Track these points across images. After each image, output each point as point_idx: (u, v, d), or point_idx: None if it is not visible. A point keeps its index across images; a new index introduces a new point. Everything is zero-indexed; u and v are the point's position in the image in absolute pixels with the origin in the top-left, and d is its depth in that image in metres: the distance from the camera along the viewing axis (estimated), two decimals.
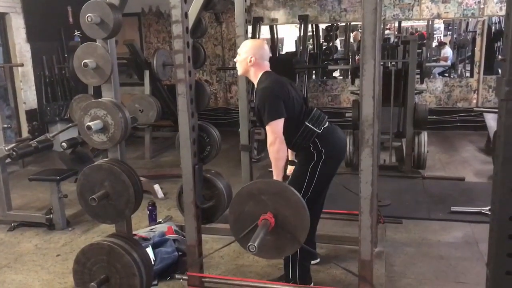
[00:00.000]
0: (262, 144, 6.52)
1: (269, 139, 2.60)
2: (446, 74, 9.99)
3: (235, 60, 2.89)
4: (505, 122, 1.47)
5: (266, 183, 2.45)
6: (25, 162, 6.27)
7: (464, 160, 6.02)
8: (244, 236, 2.40)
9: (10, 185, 4.47)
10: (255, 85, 2.80)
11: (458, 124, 7.63)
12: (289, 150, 2.87)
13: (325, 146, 2.70)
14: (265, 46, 2.84)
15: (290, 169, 3.01)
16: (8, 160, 4.16)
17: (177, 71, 2.49)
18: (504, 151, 1.49)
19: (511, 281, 1.57)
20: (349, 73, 6.84)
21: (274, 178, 2.61)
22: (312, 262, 3.24)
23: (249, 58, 2.73)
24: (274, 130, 2.58)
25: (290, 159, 3.01)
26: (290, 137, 2.68)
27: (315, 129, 2.69)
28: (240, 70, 2.84)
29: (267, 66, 2.81)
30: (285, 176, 2.73)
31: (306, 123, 2.69)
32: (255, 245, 2.18)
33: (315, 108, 2.83)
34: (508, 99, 1.46)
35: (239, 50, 2.84)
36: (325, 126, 2.75)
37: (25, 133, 6.66)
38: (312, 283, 2.95)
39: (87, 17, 2.33)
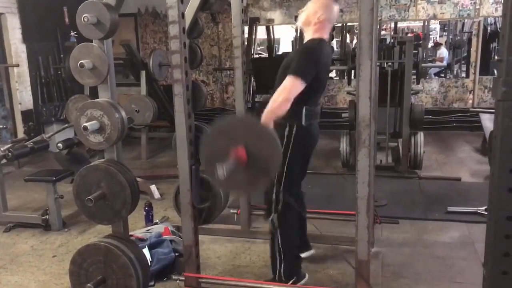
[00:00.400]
0: None
1: (280, 92, 2.53)
2: (442, 75, 10.02)
3: (300, 10, 2.82)
4: (502, 123, 1.48)
5: (235, 118, 2.41)
6: (21, 163, 6.24)
7: (460, 160, 6.04)
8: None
9: (6, 186, 4.45)
10: (304, 41, 2.76)
11: (454, 124, 7.65)
12: None
13: (298, 135, 2.70)
14: (336, 9, 2.80)
15: None
16: (4, 161, 4.14)
17: (173, 71, 2.48)
18: (500, 151, 1.50)
19: (508, 281, 1.57)
20: (346, 73, 6.85)
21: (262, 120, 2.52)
22: (305, 254, 3.25)
23: (320, 15, 2.68)
24: (290, 88, 2.52)
25: None
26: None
27: (303, 119, 2.69)
28: (302, 21, 2.77)
29: (327, 32, 2.76)
30: None
31: (304, 108, 2.68)
32: (224, 169, 2.14)
33: (320, 106, 2.85)
34: (505, 100, 1.46)
35: (308, 4, 2.78)
36: (311, 124, 2.77)
37: (20, 134, 6.63)
38: (306, 276, 2.97)
39: (84, 18, 2.32)
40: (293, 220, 2.89)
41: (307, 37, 2.77)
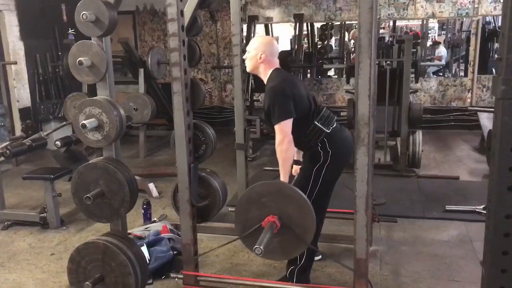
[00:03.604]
0: (257, 143, 6.52)
1: (278, 138, 2.58)
2: (441, 74, 10.04)
3: (244, 57, 2.86)
4: (501, 121, 1.48)
5: (263, 185, 2.40)
6: (18, 161, 6.24)
7: (458, 159, 6.05)
8: (252, 239, 2.35)
9: (3, 184, 4.44)
10: (265, 83, 2.77)
11: (453, 123, 7.66)
12: (295, 149, 2.87)
13: (333, 147, 2.68)
14: (274, 43, 2.83)
15: (296, 168, 2.98)
16: (2, 158, 4.13)
17: (172, 69, 2.48)
18: (500, 149, 1.49)
19: (506, 279, 1.58)
20: (344, 72, 6.86)
21: (281, 178, 2.59)
22: (315, 258, 3.25)
23: (259, 55, 2.71)
24: (283, 130, 2.56)
25: (295, 158, 2.99)
26: (299, 136, 2.66)
27: (324, 128, 2.68)
28: (249, 67, 2.81)
29: (276, 63, 2.78)
30: (290, 176, 2.71)
31: (315, 122, 2.68)
32: (261, 247, 2.16)
33: (325, 108, 2.82)
34: (504, 98, 1.46)
35: (248, 47, 2.81)
36: (334, 126, 2.74)
37: (18, 132, 6.61)
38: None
39: (82, 15, 2.31)
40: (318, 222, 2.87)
41: (263, 76, 2.78)
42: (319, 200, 2.75)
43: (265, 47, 2.73)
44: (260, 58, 2.71)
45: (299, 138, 2.68)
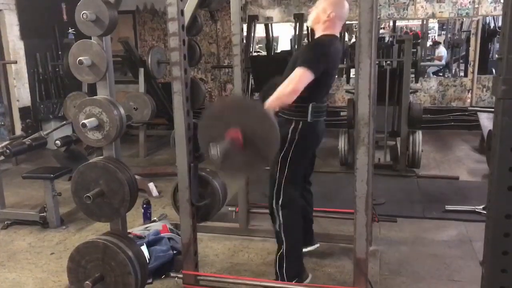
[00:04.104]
0: None
1: (289, 82, 2.52)
2: (441, 74, 10.04)
3: (309, 10, 2.82)
4: (501, 121, 1.48)
5: (224, 100, 2.36)
6: (19, 160, 6.23)
7: (458, 159, 6.05)
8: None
9: (3, 183, 4.44)
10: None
11: (452, 123, 7.67)
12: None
13: (303, 131, 2.70)
14: (346, 6, 2.78)
15: None
16: (2, 158, 4.13)
17: (172, 68, 2.48)
18: (500, 149, 1.50)
19: (506, 279, 1.58)
20: (344, 71, 6.86)
21: (266, 104, 2.50)
22: (310, 248, 3.27)
23: (330, 13, 2.67)
24: (299, 78, 2.51)
25: None
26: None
27: (309, 115, 2.69)
28: (311, 20, 2.76)
29: (338, 29, 2.76)
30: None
31: (310, 105, 2.68)
32: (218, 150, 2.15)
33: (326, 103, 2.85)
34: (505, 98, 1.46)
35: (318, 2, 2.78)
36: (317, 120, 2.76)
37: (18, 131, 6.62)
38: (310, 276, 2.95)
39: (82, 14, 2.31)
40: (297, 216, 2.88)
41: (318, 34, 2.76)
42: (292, 178, 2.79)
43: (338, 8, 2.70)
44: (329, 16, 2.67)
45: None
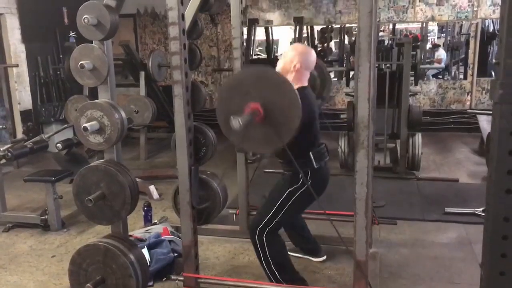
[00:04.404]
0: None
1: None
2: (440, 76, 10.06)
3: (279, 58, 2.84)
4: (499, 124, 1.49)
5: (245, 72, 2.24)
6: (20, 163, 6.25)
7: (457, 161, 6.06)
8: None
9: (5, 186, 4.45)
10: None
11: (452, 125, 7.68)
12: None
13: (312, 181, 2.66)
14: (313, 54, 2.80)
15: None
16: (3, 161, 4.14)
17: (173, 72, 2.49)
18: (497, 152, 1.51)
19: (505, 281, 1.59)
20: (344, 74, 6.87)
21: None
22: (318, 259, 3.34)
23: (295, 64, 2.69)
24: None
25: None
26: (289, 155, 2.67)
27: (314, 162, 2.70)
28: (279, 69, 2.77)
29: (306, 79, 2.77)
30: None
31: (311, 153, 2.70)
32: (240, 120, 2.02)
33: (324, 144, 2.84)
34: (502, 102, 1.47)
35: (285, 52, 2.81)
36: (322, 164, 2.77)
37: (19, 134, 6.62)
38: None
39: (84, 19, 2.33)
40: (279, 242, 2.84)
41: None
42: (282, 222, 2.79)
43: (304, 59, 2.72)
44: (295, 67, 2.70)
45: (289, 157, 2.67)
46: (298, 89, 2.64)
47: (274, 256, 2.77)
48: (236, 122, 2.02)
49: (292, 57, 2.72)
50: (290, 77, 2.71)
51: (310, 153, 2.69)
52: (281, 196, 2.73)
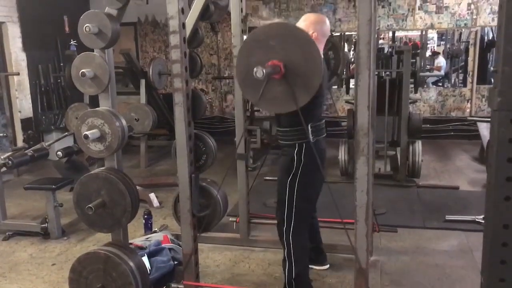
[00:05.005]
0: (258, 153, 6.54)
1: None
2: (440, 84, 10.08)
3: None
4: (497, 132, 1.50)
5: (272, 26, 2.16)
6: (20, 171, 6.25)
7: (458, 169, 6.06)
8: (252, 88, 2.14)
9: (5, 194, 4.45)
10: None
11: (452, 133, 7.69)
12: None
13: (306, 157, 2.68)
14: (327, 22, 2.81)
15: None
16: (4, 169, 4.15)
17: (174, 80, 2.51)
18: (496, 160, 1.51)
19: None
20: (344, 82, 6.90)
21: None
22: (321, 267, 3.31)
23: (312, 33, 2.70)
24: None
25: None
26: (289, 122, 2.68)
27: (310, 136, 2.69)
28: None
29: (322, 46, 2.77)
30: None
31: (309, 125, 2.69)
32: (263, 69, 2.00)
33: (324, 120, 2.85)
34: (501, 110, 1.48)
35: (300, 21, 2.81)
36: (318, 138, 2.78)
37: (20, 142, 6.64)
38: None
39: (85, 27, 2.35)
40: (306, 243, 2.88)
41: None
42: (303, 208, 2.77)
43: (319, 27, 2.73)
44: (312, 36, 2.68)
45: (288, 125, 2.69)
46: None
47: (297, 256, 2.79)
48: (260, 71, 2.00)
49: (307, 26, 2.73)
50: None
51: (309, 125, 2.67)
52: (285, 192, 2.73)
